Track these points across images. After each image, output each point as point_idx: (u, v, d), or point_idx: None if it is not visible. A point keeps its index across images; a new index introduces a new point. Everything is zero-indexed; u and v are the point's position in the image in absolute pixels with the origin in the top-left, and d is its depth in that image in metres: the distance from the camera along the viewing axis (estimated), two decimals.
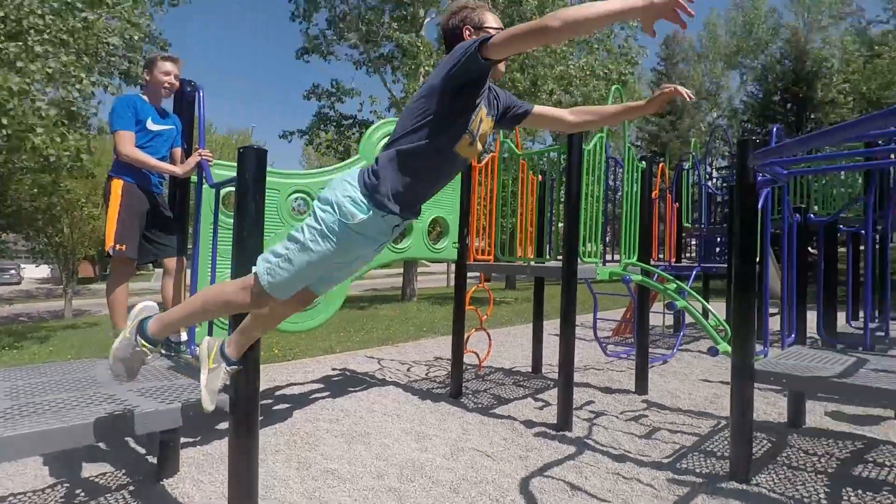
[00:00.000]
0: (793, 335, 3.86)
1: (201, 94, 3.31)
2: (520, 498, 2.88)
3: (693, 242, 8.78)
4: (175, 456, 3.04)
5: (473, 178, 4.66)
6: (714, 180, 9.16)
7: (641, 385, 4.88)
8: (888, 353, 4.43)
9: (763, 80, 26.74)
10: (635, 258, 4.57)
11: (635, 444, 3.66)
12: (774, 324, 7.94)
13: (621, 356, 6.14)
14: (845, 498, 2.80)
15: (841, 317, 4.68)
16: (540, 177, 5.15)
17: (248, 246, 2.09)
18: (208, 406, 2.00)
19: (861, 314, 4.68)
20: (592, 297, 5.48)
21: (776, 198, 6.08)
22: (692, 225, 7.77)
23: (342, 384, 5.09)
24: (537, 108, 2.02)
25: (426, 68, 12.34)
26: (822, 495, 2.84)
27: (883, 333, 4.07)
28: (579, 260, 3.94)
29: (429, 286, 20.66)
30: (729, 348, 3.21)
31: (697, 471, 3.20)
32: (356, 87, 15.74)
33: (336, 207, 1.67)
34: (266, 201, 3.11)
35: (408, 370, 5.85)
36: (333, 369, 5.85)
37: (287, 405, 4.45)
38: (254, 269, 1.84)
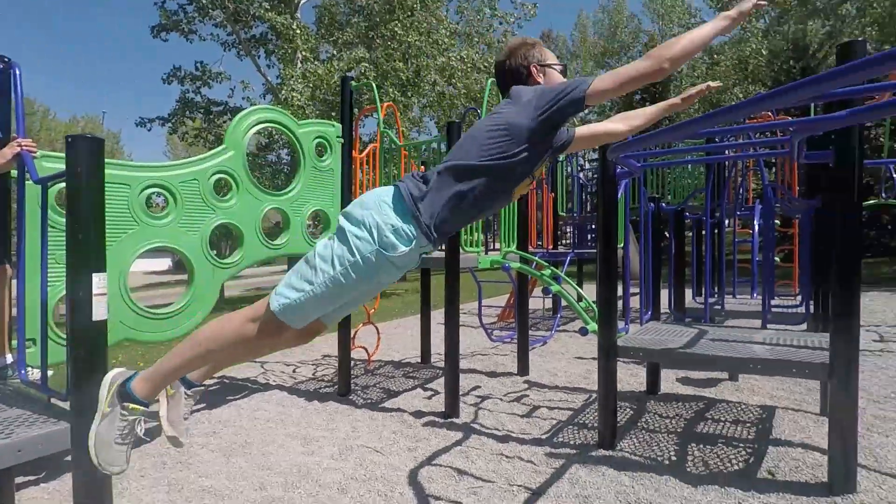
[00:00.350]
0: (649, 312, 4.29)
1: (17, 72, 2.85)
2: (408, 490, 2.90)
3: (569, 230, 9.43)
4: (9, 500, 2.63)
5: (354, 169, 4.57)
6: (586, 171, 9.89)
7: (523, 367, 5.15)
8: (724, 324, 5.11)
9: None
10: (514, 246, 4.79)
11: (517, 423, 3.85)
12: (636, 302, 8.82)
13: (505, 340, 6.44)
14: (690, 453, 3.19)
15: (689, 293, 5.32)
16: (422, 167, 5.19)
17: (83, 250, 1.83)
18: (108, 467, 1.65)
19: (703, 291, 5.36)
20: (477, 285, 5.68)
21: (636, 188, 6.71)
22: (567, 213, 8.32)
23: (219, 393, 4.75)
24: (579, 132, 1.86)
25: (304, 53, 11.82)
26: (672, 453, 3.21)
27: (720, 307, 4.69)
28: (461, 250, 4.03)
29: None
30: (596, 327, 3.49)
31: (572, 443, 3.45)
32: (225, 71, 14.63)
33: (375, 234, 1.50)
34: (115, 198, 2.79)
35: (294, 371, 5.62)
36: (209, 378, 5.44)
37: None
38: (274, 301, 1.62)
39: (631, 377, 4.90)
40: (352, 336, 4.68)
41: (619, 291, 4.28)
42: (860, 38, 2.04)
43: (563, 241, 9.70)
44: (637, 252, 6.84)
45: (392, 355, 6.27)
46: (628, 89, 1.49)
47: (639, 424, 3.71)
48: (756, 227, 4.77)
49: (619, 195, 3.48)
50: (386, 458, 3.28)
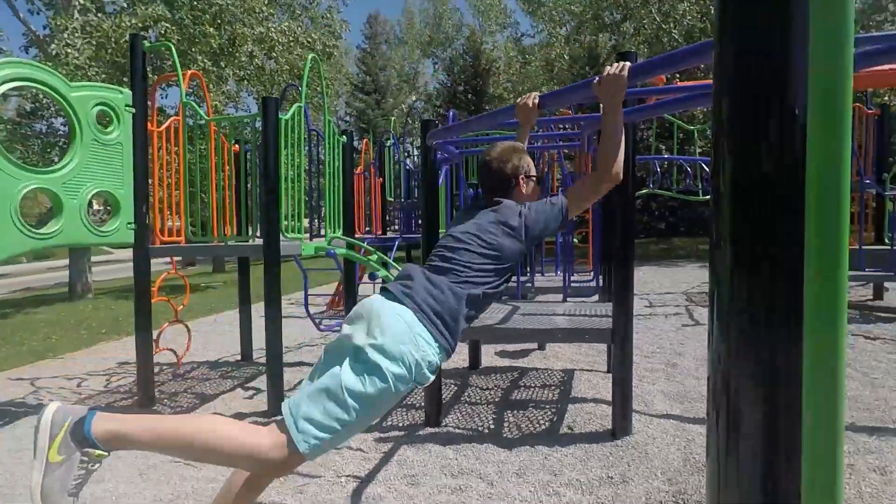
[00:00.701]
0: None
1: None
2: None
3: (399, 215, 9.55)
4: None
5: (152, 145, 3.98)
6: (413, 157, 10.11)
7: None
8: (534, 300, 5.67)
9: (451, 70, 30.68)
10: (341, 232, 4.67)
11: None
12: None
13: (334, 329, 6.29)
14: (506, 419, 3.48)
15: None
16: (235, 146, 4.75)
17: None
18: None
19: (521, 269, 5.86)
20: (302, 273, 5.43)
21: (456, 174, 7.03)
22: (395, 199, 8.41)
23: None
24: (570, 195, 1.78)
25: (83, 2, 9.86)
26: (490, 422, 3.46)
27: (531, 284, 5.19)
28: (282, 236, 3.79)
29: (111, 278, 17.13)
30: None
31: (400, 425, 3.51)
32: None
33: (414, 372, 1.52)
34: None
35: (78, 386, 4.76)
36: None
37: None
38: (295, 437, 1.45)
39: (456, 355, 5.15)
40: (155, 338, 4.11)
41: None
42: (632, 51, 2.37)
43: (393, 227, 9.83)
44: None
45: (207, 355, 5.70)
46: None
47: (462, 399, 3.92)
48: None
49: (441, 181, 3.60)
50: (199, 472, 2.96)
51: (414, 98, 37.81)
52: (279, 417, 1.57)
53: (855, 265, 6.58)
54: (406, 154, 9.08)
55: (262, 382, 4.53)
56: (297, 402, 1.53)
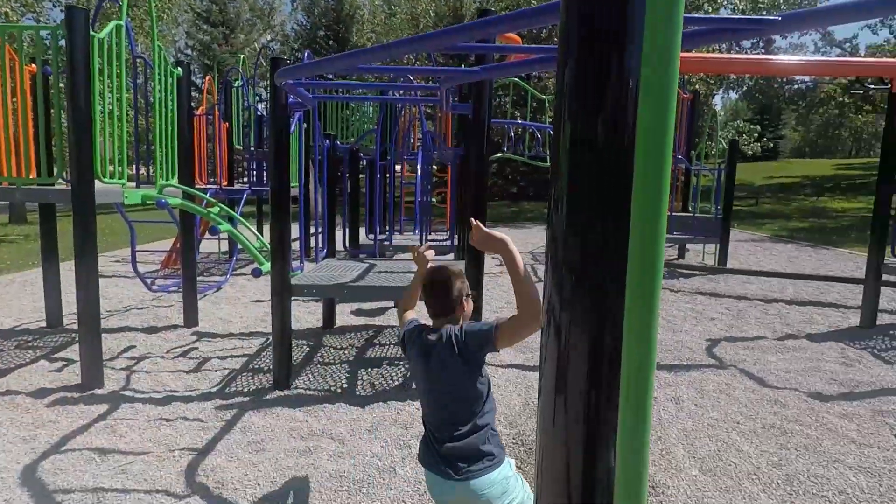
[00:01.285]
0: (325, 249, 4.36)
1: None
2: (22, 492, 2.24)
3: (252, 167, 8.78)
4: None
5: None
6: (265, 103, 9.28)
7: (191, 317, 4.62)
8: (393, 258, 5.65)
9: (311, 12, 28.56)
10: (175, 180, 4.11)
11: (183, 381, 3.43)
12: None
13: (170, 290, 5.65)
14: (360, 378, 3.44)
15: (363, 232, 5.63)
16: (33, 66, 3.85)
17: None
18: None
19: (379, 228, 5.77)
20: (128, 226, 4.72)
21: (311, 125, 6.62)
22: (244, 148, 7.69)
23: None
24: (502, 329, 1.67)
25: None
26: (344, 381, 3.39)
27: (389, 243, 5.13)
28: (98, 180, 3.21)
29: None
30: (269, 267, 3.31)
31: (246, 390, 3.27)
32: None
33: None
34: None
35: None
36: None
37: None
38: None
39: (309, 314, 4.97)
40: None
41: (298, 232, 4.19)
42: (491, 9, 2.36)
43: (241, 179, 9.02)
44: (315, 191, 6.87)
45: (1, 322, 4.75)
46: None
47: (315, 359, 3.79)
48: (419, 171, 5.33)
49: (293, 128, 3.31)
50: None
51: (269, 38, 34.63)
52: None
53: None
54: (258, 99, 8.30)
55: (74, 352, 3.90)
56: None
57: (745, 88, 32.60)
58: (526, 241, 10.82)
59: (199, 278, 6.38)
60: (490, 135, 3.19)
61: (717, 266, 7.10)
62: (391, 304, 5.35)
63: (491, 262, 7.98)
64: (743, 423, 2.83)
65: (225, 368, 3.64)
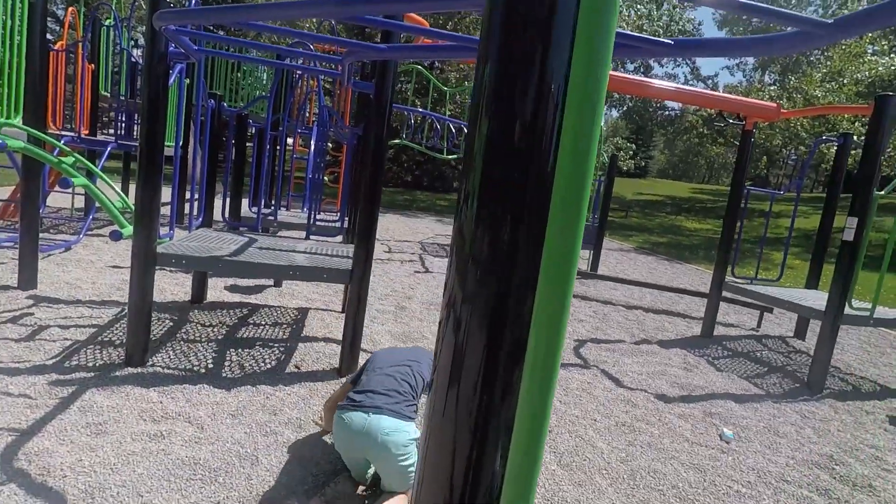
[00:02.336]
0: (200, 218, 4.01)
1: None
2: None
3: (121, 117, 7.79)
4: None
5: None
6: (142, 50, 8.26)
7: (28, 278, 4.00)
8: (277, 234, 5.36)
9: None
10: (19, 119, 3.51)
11: (9, 350, 2.97)
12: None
13: (4, 244, 4.86)
14: (228, 358, 3.22)
15: (245, 203, 5.27)
16: None
17: None
18: None
19: (264, 202, 5.44)
20: None
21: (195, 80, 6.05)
22: (111, 94, 6.81)
23: None
24: None
25: None
26: (209, 361, 3.15)
27: (273, 218, 4.86)
28: None
29: None
30: (132, 231, 2.97)
31: (90, 365, 2.91)
32: None
33: None
34: None
35: None
36: None
37: None
38: None
39: (176, 286, 4.55)
40: None
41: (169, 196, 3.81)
42: None
43: (108, 130, 7.98)
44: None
45: None
46: None
47: (177, 336, 3.48)
48: (313, 147, 5.10)
49: (173, 80, 2.97)
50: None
51: None
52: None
53: None
54: (133, 43, 7.39)
55: None
56: None
57: (625, 108, 35.80)
58: (416, 231, 10.90)
59: (43, 235, 5.57)
60: (390, 119, 3.13)
61: (589, 271, 7.70)
62: (270, 282, 5.08)
63: (379, 249, 7.91)
64: (599, 421, 3.09)
65: (66, 339, 3.21)
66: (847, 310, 4.09)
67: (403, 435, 2.03)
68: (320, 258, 3.42)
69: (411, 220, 12.85)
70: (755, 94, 21.82)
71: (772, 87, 25.02)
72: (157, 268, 2.99)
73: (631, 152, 32.66)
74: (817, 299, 4.72)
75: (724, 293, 5.26)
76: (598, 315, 5.64)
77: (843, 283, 3.98)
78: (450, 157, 9.06)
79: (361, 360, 3.27)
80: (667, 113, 35.28)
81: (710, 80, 33.91)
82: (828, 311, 4.05)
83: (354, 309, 3.15)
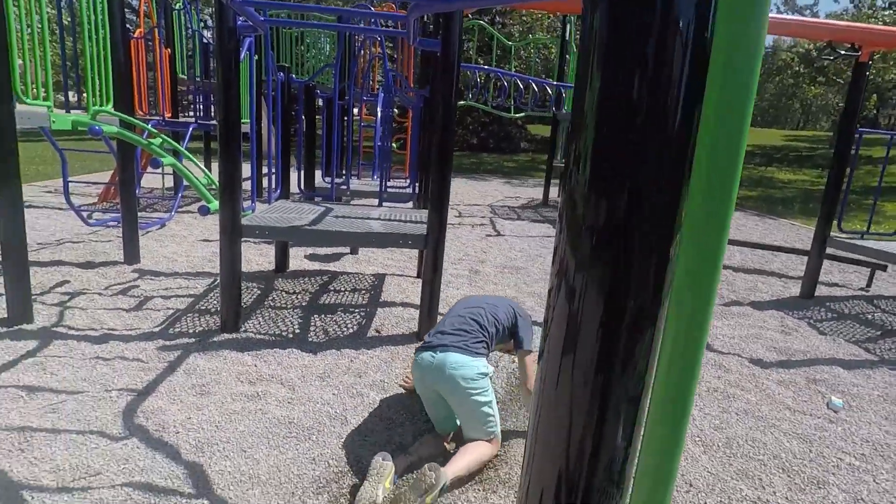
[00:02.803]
0: (279, 190, 4.15)
1: None
2: None
3: (199, 98, 8.20)
4: None
5: None
6: (211, 31, 8.57)
7: (132, 253, 4.35)
8: (350, 202, 5.48)
9: None
10: (110, 106, 3.75)
11: (122, 319, 3.26)
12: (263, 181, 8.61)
13: (109, 224, 5.30)
14: (313, 324, 3.35)
15: (319, 174, 5.40)
16: None
17: None
18: None
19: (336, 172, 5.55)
20: (59, 154, 4.31)
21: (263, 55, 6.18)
22: (188, 77, 7.13)
23: None
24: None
25: None
26: (296, 326, 3.30)
27: (346, 187, 4.95)
28: (16, 100, 2.87)
29: None
30: (218, 205, 3.12)
31: (191, 331, 3.14)
32: None
33: None
34: None
35: None
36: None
37: None
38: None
39: (260, 256, 4.79)
40: None
41: (250, 171, 3.96)
42: None
43: (188, 112, 8.43)
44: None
45: None
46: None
47: (266, 303, 3.66)
48: (379, 115, 5.10)
49: (243, 55, 3.03)
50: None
51: None
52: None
53: None
54: (203, 24, 7.65)
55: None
56: None
57: None
58: (485, 194, 10.77)
59: (141, 214, 6.02)
60: (458, 78, 3.03)
61: None
62: (347, 250, 5.23)
63: (450, 214, 7.90)
64: None
65: (169, 308, 3.47)
66: None
67: (471, 369, 2.08)
68: (395, 224, 3.44)
69: (479, 183, 12.72)
70: (866, 21, 19.33)
71: (886, 13, 21.93)
72: (242, 239, 3.14)
73: None
74: None
75: (829, 250, 4.79)
76: None
77: None
78: (517, 115, 8.78)
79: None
80: None
81: (809, 10, 30.23)
82: None
83: (430, 274, 3.16)
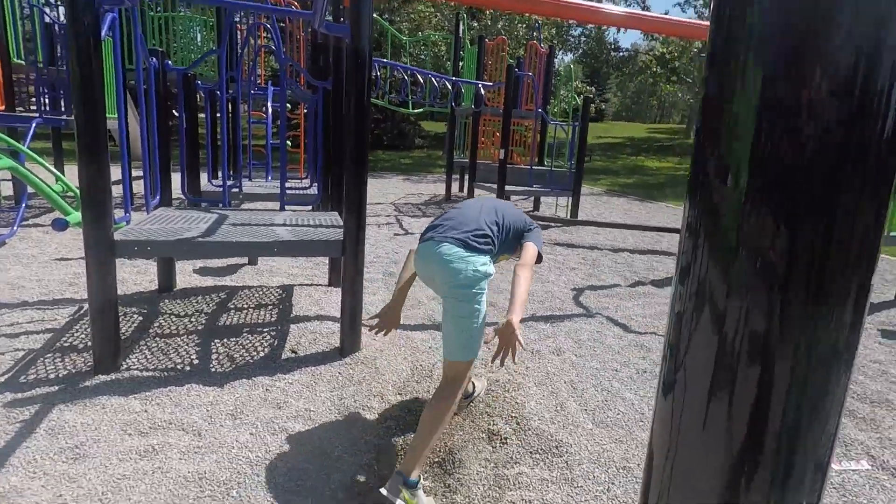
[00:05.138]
0: (157, 197, 3.54)
1: None
2: None
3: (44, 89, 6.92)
4: None
5: None
6: (52, 6, 7.31)
7: None
8: (241, 207, 4.90)
9: None
10: None
11: None
12: (139, 187, 7.58)
13: None
14: (214, 350, 2.87)
15: (204, 177, 4.76)
16: None
17: None
18: None
19: (220, 174, 4.94)
20: None
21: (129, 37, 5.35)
22: (28, 63, 5.98)
23: None
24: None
25: None
26: (193, 356, 2.80)
27: (238, 190, 4.40)
28: None
29: None
30: (80, 218, 2.53)
31: (52, 377, 2.52)
32: None
33: None
34: None
35: None
36: None
37: None
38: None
39: (138, 274, 4.10)
40: None
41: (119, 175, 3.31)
42: None
43: (28, 106, 7.11)
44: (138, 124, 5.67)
45: None
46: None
47: (151, 331, 3.09)
48: (269, 110, 4.60)
49: (104, 34, 2.46)
50: None
51: None
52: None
53: (522, 181, 7.89)
54: (44, 1, 6.49)
55: None
56: None
57: (580, 51, 35.33)
58: (386, 192, 10.46)
59: None
60: (370, 68, 2.73)
61: (569, 218, 7.54)
62: (244, 260, 4.67)
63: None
64: (620, 371, 2.93)
65: (17, 350, 2.78)
66: None
67: (468, 264, 1.93)
68: (305, 230, 3.06)
69: (378, 181, 12.35)
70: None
71: None
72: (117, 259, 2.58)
73: (591, 95, 32.56)
74: None
75: None
76: (588, 261, 5.50)
77: None
78: (415, 111, 8.58)
79: (363, 336, 2.99)
80: (621, 54, 35.02)
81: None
82: None
83: (351, 282, 2.84)
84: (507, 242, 2.12)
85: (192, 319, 3.29)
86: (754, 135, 0.44)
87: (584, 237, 6.74)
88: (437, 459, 2.08)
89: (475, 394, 2.46)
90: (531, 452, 2.14)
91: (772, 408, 0.46)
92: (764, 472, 0.47)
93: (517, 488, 1.92)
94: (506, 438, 2.22)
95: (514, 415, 2.39)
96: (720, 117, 0.46)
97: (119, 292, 3.15)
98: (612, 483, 1.98)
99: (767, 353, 0.45)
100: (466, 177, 9.13)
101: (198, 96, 4.68)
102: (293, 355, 2.86)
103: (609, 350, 3.21)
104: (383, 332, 2.30)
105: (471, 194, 8.22)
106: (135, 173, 4.70)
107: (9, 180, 6.22)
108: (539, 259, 2.11)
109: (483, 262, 1.95)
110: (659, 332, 3.53)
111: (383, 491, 1.75)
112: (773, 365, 0.45)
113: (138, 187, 7.54)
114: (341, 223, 3.31)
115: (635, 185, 14.01)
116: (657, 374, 2.85)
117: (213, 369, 2.67)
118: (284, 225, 3.19)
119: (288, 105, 6.90)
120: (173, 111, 5.15)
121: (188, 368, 2.67)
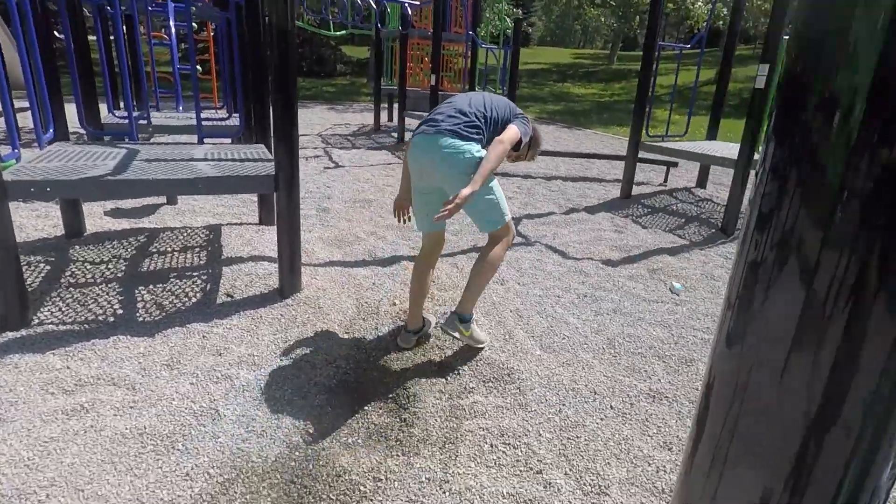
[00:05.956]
0: (51, 131, 3.10)
1: None
2: None
3: None
4: None
5: None
6: None
7: None
8: (152, 140, 4.44)
9: None
10: None
11: None
12: (27, 120, 6.68)
13: None
14: (140, 299, 2.66)
15: (104, 108, 4.22)
16: None
17: None
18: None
19: (123, 104, 4.40)
20: None
21: None
22: None
23: None
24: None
25: None
26: (116, 305, 2.58)
27: (146, 122, 3.94)
28: None
29: None
30: None
31: None
32: None
33: None
34: None
35: None
36: None
37: None
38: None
39: (38, 219, 3.67)
40: None
41: None
42: None
43: None
44: (14, 51, 4.87)
45: None
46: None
47: (63, 282, 2.80)
48: (173, 30, 4.07)
49: None
50: None
51: None
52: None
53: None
54: None
55: None
56: None
57: None
58: (310, 123, 9.89)
59: None
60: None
61: None
62: (162, 199, 4.29)
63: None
64: (562, 297, 3.03)
65: None
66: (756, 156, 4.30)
67: (464, 152, 2.07)
68: (231, 165, 2.81)
69: (302, 111, 11.61)
70: None
71: None
72: (11, 202, 2.25)
73: (520, 17, 31.67)
74: (725, 150, 4.94)
75: (641, 153, 5.34)
76: (523, 190, 5.55)
77: (753, 131, 4.11)
78: (338, 33, 7.98)
79: (303, 276, 2.88)
80: None
81: None
82: (739, 158, 4.22)
83: (287, 219, 2.68)
84: (496, 131, 2.22)
85: (110, 266, 3.01)
86: (878, 61, 0.37)
87: (518, 166, 6.76)
88: (390, 395, 2.08)
89: (425, 328, 2.46)
90: (484, 381, 2.19)
91: (860, 370, 0.44)
92: (844, 439, 0.45)
93: (473, 417, 1.97)
94: (458, 370, 2.25)
95: (464, 346, 2.42)
96: (830, 40, 0.39)
97: (18, 239, 2.82)
98: (563, 405, 2.08)
99: (863, 313, 0.42)
100: (396, 105, 8.77)
101: (84, 11, 4.05)
102: (229, 299, 2.71)
103: (550, 277, 3.31)
104: (406, 219, 2.43)
105: (401, 123, 7.93)
106: (18, 104, 4.08)
107: None
108: (520, 144, 2.23)
109: (477, 150, 2.11)
110: (595, 257, 3.67)
111: (442, 326, 2.23)
112: (867, 327, 0.42)
113: (25, 121, 6.63)
114: (270, 156, 3.08)
115: (563, 112, 14.12)
116: (597, 298, 2.99)
117: (141, 318, 2.48)
118: (206, 160, 2.92)
119: (194, 25, 6.15)
120: (55, 32, 4.46)
121: (112, 319, 2.46)
